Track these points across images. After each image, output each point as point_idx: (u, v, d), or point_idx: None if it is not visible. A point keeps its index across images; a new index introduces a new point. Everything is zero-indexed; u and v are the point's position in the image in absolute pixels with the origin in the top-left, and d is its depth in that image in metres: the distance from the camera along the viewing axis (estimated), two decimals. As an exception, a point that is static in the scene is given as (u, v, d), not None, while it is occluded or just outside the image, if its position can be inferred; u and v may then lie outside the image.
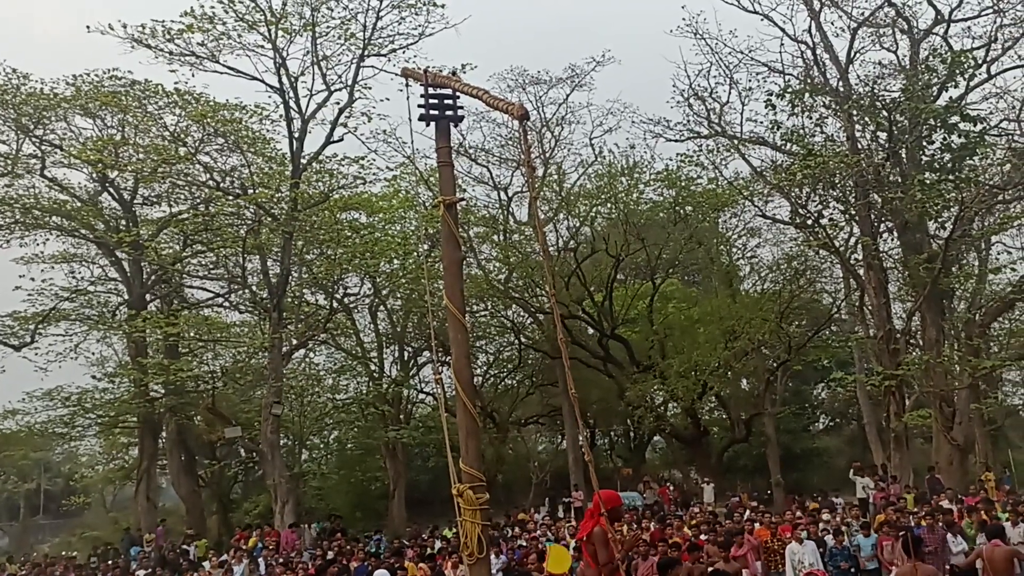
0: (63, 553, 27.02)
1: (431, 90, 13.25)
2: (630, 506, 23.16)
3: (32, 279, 28.20)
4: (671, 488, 30.74)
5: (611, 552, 8.23)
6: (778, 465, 30.99)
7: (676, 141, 28.74)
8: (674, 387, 29.63)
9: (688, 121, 28.00)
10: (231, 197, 26.97)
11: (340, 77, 25.86)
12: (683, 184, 29.86)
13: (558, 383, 32.35)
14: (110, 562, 23.82)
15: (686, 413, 32.95)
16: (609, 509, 8.53)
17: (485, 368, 36.57)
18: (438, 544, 20.77)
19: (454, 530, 21.68)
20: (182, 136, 26.63)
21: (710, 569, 10.96)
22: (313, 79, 25.86)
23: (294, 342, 28.57)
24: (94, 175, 28.61)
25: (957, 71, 24.04)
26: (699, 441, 33.10)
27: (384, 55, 25.68)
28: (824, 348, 33.86)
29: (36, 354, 29.03)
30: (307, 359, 34.27)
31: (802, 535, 14.52)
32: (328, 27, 25.33)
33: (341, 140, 26.24)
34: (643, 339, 32.60)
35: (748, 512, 20.62)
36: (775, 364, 32.33)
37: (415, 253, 28.54)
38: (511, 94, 30.72)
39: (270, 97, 26.00)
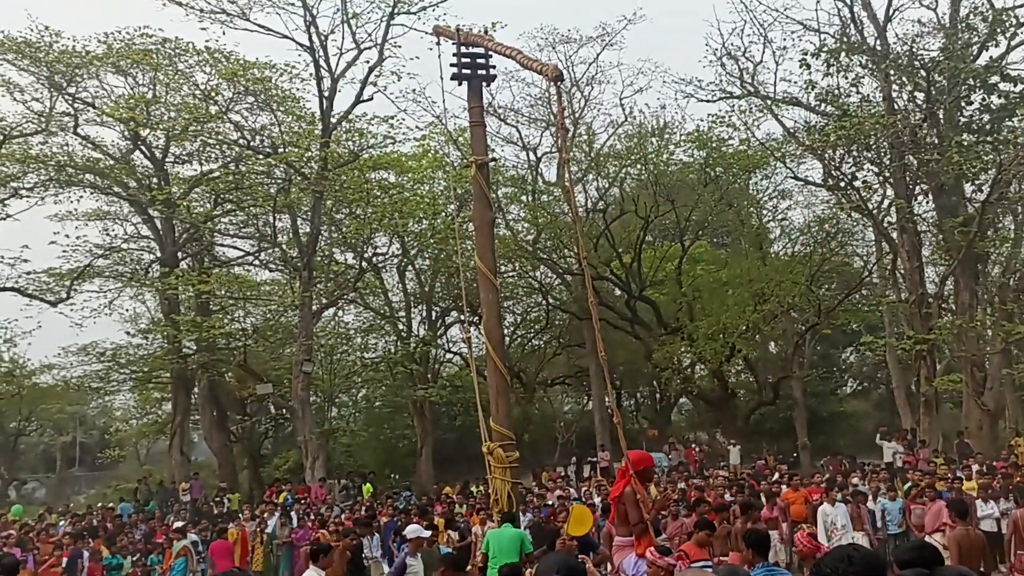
0: (99, 504, 27.68)
1: (463, 49, 13.24)
2: (657, 464, 23.30)
3: (67, 236, 28.60)
4: (697, 450, 30.88)
5: (641, 512, 8.31)
6: (805, 428, 30.98)
7: (708, 101, 28.46)
8: (702, 349, 29.60)
9: (720, 81, 27.70)
10: (261, 156, 27.12)
11: (370, 35, 25.85)
12: (714, 145, 29.56)
13: (585, 344, 32.44)
14: (144, 512, 24.39)
15: (713, 375, 32.95)
16: (639, 470, 8.59)
17: (512, 328, 36.71)
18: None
19: (481, 487, 22.01)
20: (212, 94, 26.71)
21: (749, 526, 11.00)
22: (343, 37, 25.90)
23: (324, 301, 28.84)
24: (126, 133, 28.79)
25: (998, 30, 23.46)
26: (726, 403, 33.13)
27: (414, 12, 25.55)
28: (854, 312, 33.59)
29: (72, 310, 29.52)
30: (336, 318, 34.61)
31: (836, 496, 14.52)
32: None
33: (371, 99, 26.27)
34: (671, 301, 32.54)
35: (776, 475, 20.69)
36: (804, 327, 32.17)
37: (444, 213, 28.61)
38: (540, 53, 30.53)
39: (300, 55, 26.11)
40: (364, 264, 30.74)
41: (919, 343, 23.39)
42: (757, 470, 23.75)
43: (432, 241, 29.81)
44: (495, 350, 12.08)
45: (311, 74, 26.04)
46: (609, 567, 9.79)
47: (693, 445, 32.29)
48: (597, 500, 18.10)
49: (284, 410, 33.57)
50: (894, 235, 25.81)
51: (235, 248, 32.69)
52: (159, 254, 30.62)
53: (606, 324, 30.09)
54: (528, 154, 32.50)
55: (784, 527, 14.68)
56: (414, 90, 28.90)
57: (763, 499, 16.19)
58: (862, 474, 19.45)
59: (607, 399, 26.01)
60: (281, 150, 26.50)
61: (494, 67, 12.98)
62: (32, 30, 26.34)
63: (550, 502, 19.10)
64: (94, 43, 26.64)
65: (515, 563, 9.12)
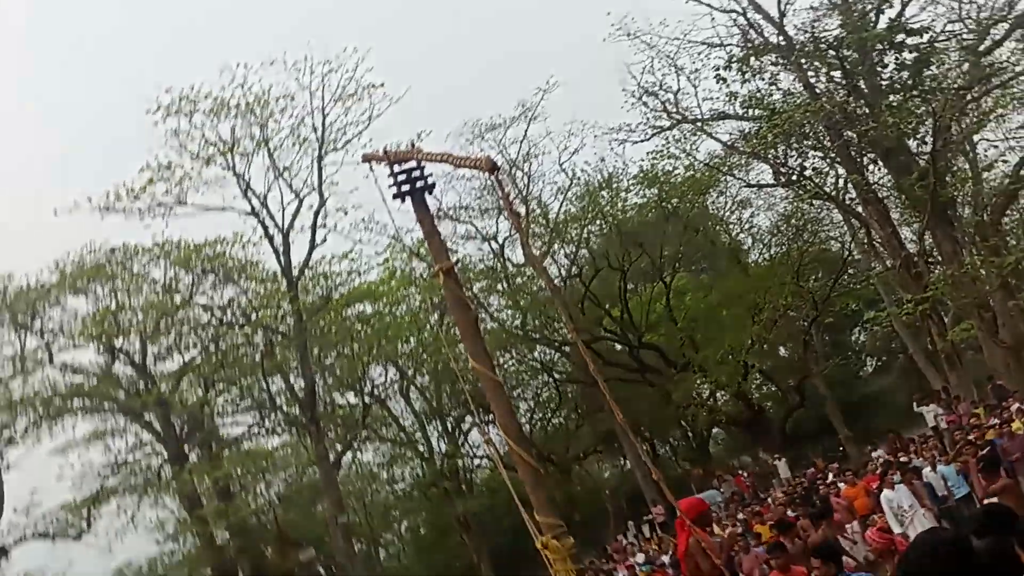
0: None
1: (396, 167, 13.43)
2: (712, 503, 22.84)
3: (72, 466, 28.24)
4: (745, 475, 30.34)
5: (712, 559, 8.11)
6: (841, 420, 30.59)
7: (642, 141, 28.88)
8: (716, 376, 29.41)
9: (647, 119, 28.17)
10: (237, 328, 27.15)
11: (305, 182, 26.24)
12: (662, 179, 29.93)
13: (604, 408, 32.13)
14: None
15: (736, 397, 32.65)
16: (695, 517, 8.41)
17: (529, 414, 36.36)
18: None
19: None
20: (174, 285, 26.93)
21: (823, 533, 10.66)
22: (281, 192, 26.26)
23: (338, 448, 28.51)
24: (101, 349, 28.78)
25: (886, -10, 24.18)
26: (757, 421, 32.74)
27: (340, 148, 26.06)
28: (848, 294, 33.65)
29: (96, 538, 28.93)
30: (355, 460, 34.13)
31: (894, 479, 14.20)
32: (280, 139, 25.75)
33: (324, 242, 26.55)
34: (672, 339, 32.43)
35: (830, 476, 20.33)
36: (806, 323, 32.10)
37: (427, 326, 28.62)
38: (472, 146, 31.04)
39: (245, 222, 26.34)
40: (366, 400, 30.52)
41: (919, 304, 23.34)
42: (809, 477, 23.33)
43: (425, 356, 29.76)
44: (517, 444, 11.89)
45: (261, 235, 26.37)
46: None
47: (740, 472, 31.74)
48: (666, 559, 17.65)
49: (332, 567, 32.79)
50: (860, 210, 26.06)
51: (238, 424, 32.41)
52: (166, 455, 30.24)
53: (617, 382, 29.85)
54: (490, 244, 32.70)
55: (854, 526, 14.34)
56: (363, 219, 28.97)
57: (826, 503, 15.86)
58: (913, 448, 19.15)
59: (641, 455, 25.62)
60: (254, 316, 26.58)
61: (431, 175, 13.12)
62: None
63: (622, 574, 18.62)
64: (46, 273, 26.90)
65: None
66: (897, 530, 11.35)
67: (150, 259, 26.85)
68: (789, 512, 16.15)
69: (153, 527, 32.98)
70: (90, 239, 28.17)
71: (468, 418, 34.24)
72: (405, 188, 13.43)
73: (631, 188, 31.21)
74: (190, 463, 28.90)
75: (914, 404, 25.69)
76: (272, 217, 26.25)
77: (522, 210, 31.57)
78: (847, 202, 26.58)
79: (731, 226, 34.68)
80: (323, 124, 25.90)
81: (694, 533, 8.07)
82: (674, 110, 27.69)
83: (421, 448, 32.77)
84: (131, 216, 25.08)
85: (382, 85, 25.58)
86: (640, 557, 20.47)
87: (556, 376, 34.73)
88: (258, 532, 29.68)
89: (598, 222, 31.36)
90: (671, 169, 29.81)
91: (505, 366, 32.63)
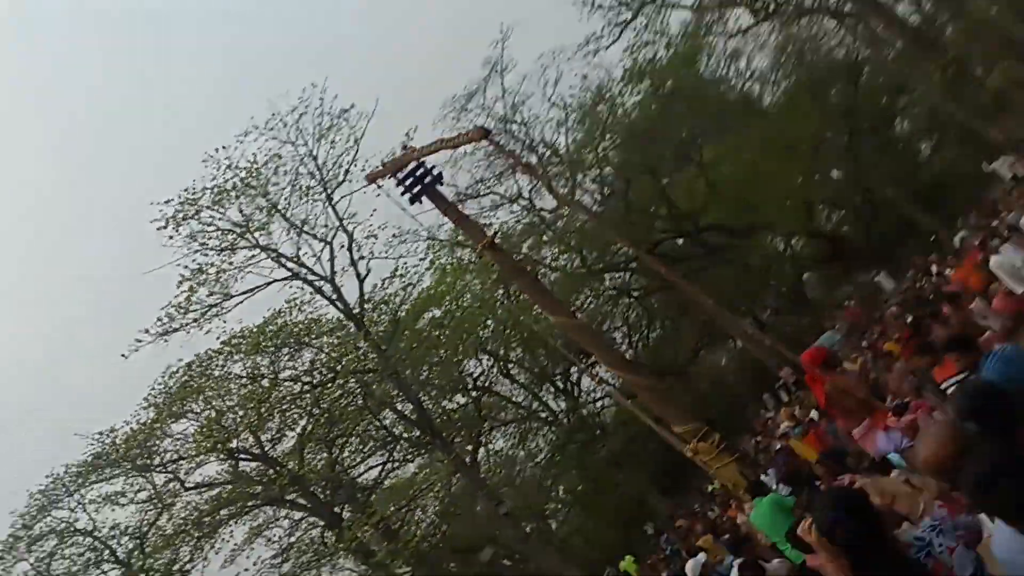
0: None
1: (400, 175, 13.54)
2: (832, 346, 22.60)
3: (246, 570, 29.25)
4: (851, 304, 29.87)
5: (855, 395, 8.07)
6: (921, 212, 29.86)
7: (614, 43, 28.42)
8: (782, 226, 28.96)
9: (608, 20, 27.65)
10: (329, 384, 27.68)
11: (326, 226, 26.50)
12: (647, 69, 29.42)
13: (690, 306, 31.95)
14: None
15: (810, 237, 32.14)
16: (821, 364, 8.38)
17: (626, 340, 36.36)
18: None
19: (714, 484, 21.55)
20: (256, 372, 27.50)
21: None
22: (309, 245, 26.57)
23: (469, 448, 28.98)
24: (221, 456, 29.59)
25: None
26: (840, 250, 32.17)
27: (343, 181, 26.19)
28: (874, 92, 32.66)
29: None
30: (489, 452, 34.61)
31: (995, 245, 13.76)
32: (286, 197, 26.01)
33: (369, 272, 26.82)
34: (726, 211, 31.91)
35: (934, 269, 19.93)
36: (846, 137, 31.30)
37: (497, 303, 28.76)
38: (461, 121, 30.80)
39: (291, 287, 26.76)
40: (473, 395, 30.90)
41: (945, 68, 22.61)
42: (912, 280, 22.88)
43: (507, 332, 29.95)
44: (627, 372, 12.01)
45: (310, 293, 26.74)
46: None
47: (846, 304, 31.25)
48: (813, 414, 17.54)
49: (514, 556, 33.43)
50: (848, 8, 25.25)
51: (371, 467, 33.08)
52: (322, 523, 31.11)
53: (693, 272, 29.66)
54: (518, 203, 32.57)
55: (977, 304, 14.02)
56: (394, 234, 29.00)
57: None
58: (1001, 207, 18.64)
59: (747, 331, 25.44)
60: (339, 367, 27.05)
61: (433, 167, 13.26)
62: (95, 443, 27.57)
63: (778, 447, 18.57)
64: (141, 413, 27.72)
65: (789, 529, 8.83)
66: (1019, 290, 11.05)
67: (225, 358, 27.45)
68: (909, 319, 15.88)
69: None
70: (165, 366, 28.93)
71: (573, 369, 34.46)
72: (416, 189, 13.61)
73: (623, 92, 30.78)
74: (346, 520, 29.67)
75: (983, 164, 24.94)
76: (312, 271, 26.61)
77: (533, 158, 31.44)
78: (832, 6, 25.77)
79: (733, 82, 33.94)
80: (317, 166, 26.07)
81: (827, 380, 8.03)
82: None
83: (543, 415, 33.09)
84: (190, 328, 25.68)
85: (352, 107, 25.59)
86: (785, 425, 20.39)
87: (635, 294, 34.60)
88: (434, 554, 30.39)
89: (607, 136, 31.02)
90: (652, 56, 29.30)
91: (584, 307, 32.66)
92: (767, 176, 29.78)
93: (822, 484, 9.93)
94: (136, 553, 27.72)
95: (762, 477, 15.06)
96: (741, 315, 37.09)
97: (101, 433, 27.66)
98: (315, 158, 26.03)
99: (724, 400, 36.49)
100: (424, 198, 13.02)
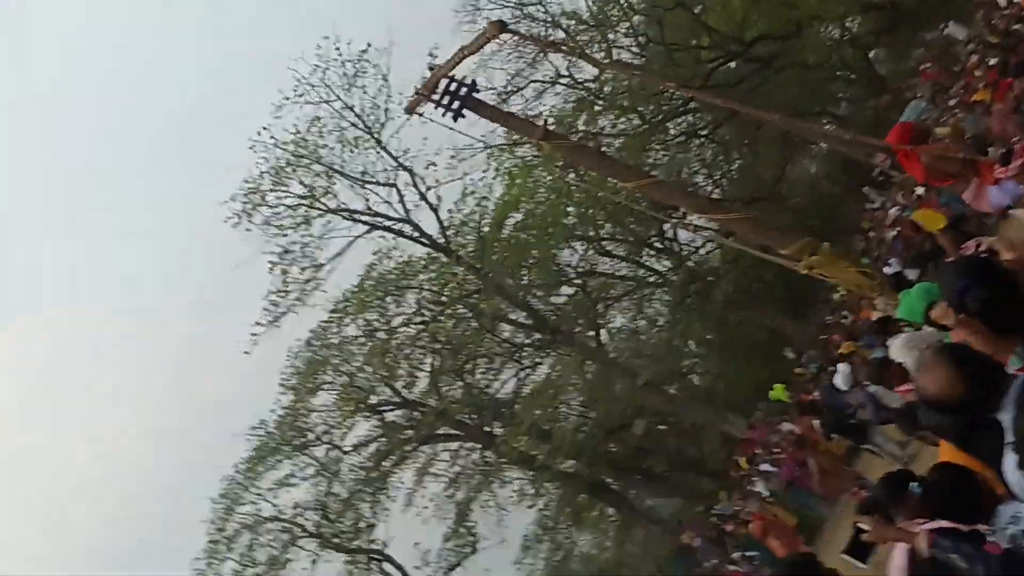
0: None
1: (435, 97, 13.35)
2: (919, 116, 21.54)
3: (424, 508, 30.80)
4: (928, 66, 28.22)
5: (957, 158, 7.72)
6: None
7: None
8: (829, 11, 27.40)
9: None
10: (441, 317, 28.25)
11: (385, 170, 26.64)
12: None
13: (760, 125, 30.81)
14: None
15: (863, 12, 30.30)
16: (911, 140, 8.01)
17: (708, 180, 35.59)
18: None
19: (839, 293, 21.20)
20: (371, 329, 28.26)
21: None
22: (377, 193, 26.84)
23: (591, 334, 29.27)
24: (365, 414, 30.66)
25: None
26: (898, 13, 30.19)
27: (387, 122, 26.13)
28: None
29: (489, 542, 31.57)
30: (611, 332, 34.77)
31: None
32: (339, 154, 26.15)
33: (440, 200, 26.97)
34: (770, 19, 30.21)
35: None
36: None
37: (571, 189, 28.44)
38: (478, 23, 29.93)
39: (371, 239, 27.19)
40: (577, 282, 31.02)
41: None
42: (984, 19, 21.31)
43: (589, 212, 29.65)
44: (715, 212, 11.78)
45: (394, 238, 27.12)
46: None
47: (921, 68, 29.55)
48: (918, 191, 16.91)
49: (668, 419, 33.89)
50: None
51: (505, 382, 33.79)
52: (479, 445, 32.15)
53: (756, 90, 28.58)
54: (559, 84, 31.78)
55: None
56: (451, 156, 28.86)
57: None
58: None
59: (824, 131, 24.47)
60: (444, 299, 27.55)
61: (464, 77, 13.01)
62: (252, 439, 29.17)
63: (893, 234, 18.07)
64: (282, 399, 28.98)
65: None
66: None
67: (337, 325, 28.30)
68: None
69: (516, 499, 35.63)
70: (286, 348, 30.02)
71: (666, 226, 34.04)
72: (456, 106, 13.42)
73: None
74: (498, 437, 30.67)
75: None
76: (387, 217, 26.91)
77: (560, 33, 30.50)
78: None
79: None
80: (356, 115, 26.04)
81: (921, 154, 7.67)
82: None
83: (651, 279, 32.99)
84: (296, 308, 26.51)
85: (368, 46, 25.29)
86: (893, 211, 19.80)
87: (703, 133, 33.60)
88: (590, 442, 31.20)
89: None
90: None
91: (658, 163, 31.97)
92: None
93: (948, 256, 9.64)
94: (323, 523, 29.42)
95: (885, 269, 14.75)
96: (816, 117, 35.72)
97: (254, 428, 29.22)
98: (352, 108, 26.05)
99: (824, 207, 35.52)
100: (466, 111, 12.81)
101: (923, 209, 11.42)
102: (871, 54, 37.45)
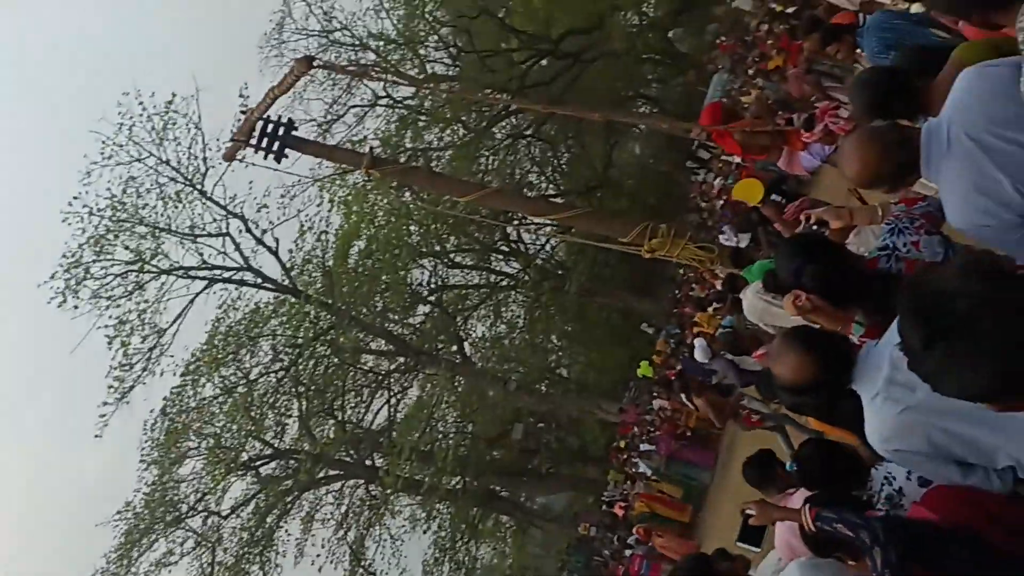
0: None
1: (252, 141, 12.91)
2: (724, 88, 22.62)
3: (318, 555, 29.85)
4: (723, 39, 29.68)
5: (762, 131, 8.08)
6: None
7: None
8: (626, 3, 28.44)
9: None
10: (299, 361, 27.48)
11: (214, 219, 25.70)
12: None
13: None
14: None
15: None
16: (720, 120, 8.33)
17: (539, 178, 36.30)
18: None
19: (682, 273, 22.04)
20: (227, 384, 27.14)
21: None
22: (208, 245, 25.85)
23: (453, 348, 29.17)
24: (239, 473, 29.38)
25: None
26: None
27: (207, 169, 25.15)
28: None
29: None
30: (472, 342, 34.70)
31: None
32: (161, 213, 25.05)
33: (278, 242, 26.27)
34: (570, 15, 30.92)
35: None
36: None
37: (409, 209, 28.27)
38: (285, 56, 29.21)
39: (213, 293, 26.19)
40: (432, 299, 30.94)
41: None
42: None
43: (433, 227, 29.54)
44: (552, 212, 11.92)
45: (235, 288, 26.24)
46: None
47: (717, 41, 31.03)
48: (736, 159, 17.76)
49: (545, 417, 34.26)
50: None
51: (376, 413, 33.24)
52: (362, 480, 31.45)
53: (570, 84, 29.29)
54: (379, 104, 31.48)
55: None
56: (280, 196, 27.87)
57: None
58: None
59: (641, 119, 25.35)
60: (299, 340, 26.84)
61: (280, 116, 12.63)
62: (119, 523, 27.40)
63: (721, 203, 18.88)
64: (145, 475, 27.37)
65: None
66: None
67: (191, 387, 26.91)
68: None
69: (409, 527, 35.07)
70: (141, 423, 28.17)
71: (509, 229, 34.40)
72: (276, 147, 13.02)
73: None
74: (380, 468, 30.10)
75: None
76: (224, 268, 25.95)
77: (370, 55, 30.28)
78: None
79: None
80: (173, 168, 24.90)
81: (735, 133, 7.98)
82: None
83: (504, 283, 33.29)
84: (143, 379, 25.10)
85: (174, 95, 24.19)
86: (718, 181, 20.72)
87: (527, 133, 34.21)
88: (472, 455, 31.11)
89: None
90: None
91: (489, 168, 32.30)
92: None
93: (775, 224, 10.10)
94: (212, 596, 28.00)
95: (720, 238, 15.37)
96: (632, 100, 37.01)
97: (119, 513, 27.41)
98: (167, 162, 24.85)
99: (656, 185, 36.88)
100: (288, 151, 12.43)
101: (741, 180, 11.94)
102: (670, 34, 39.19)
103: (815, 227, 4.93)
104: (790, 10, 15.76)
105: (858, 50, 7.48)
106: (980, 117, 2.81)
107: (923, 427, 2.68)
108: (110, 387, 24.39)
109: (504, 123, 33.35)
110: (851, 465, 3.70)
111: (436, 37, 31.68)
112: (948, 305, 1.84)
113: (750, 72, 19.68)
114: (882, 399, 2.81)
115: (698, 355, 12.23)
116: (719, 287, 16.30)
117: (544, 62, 32.80)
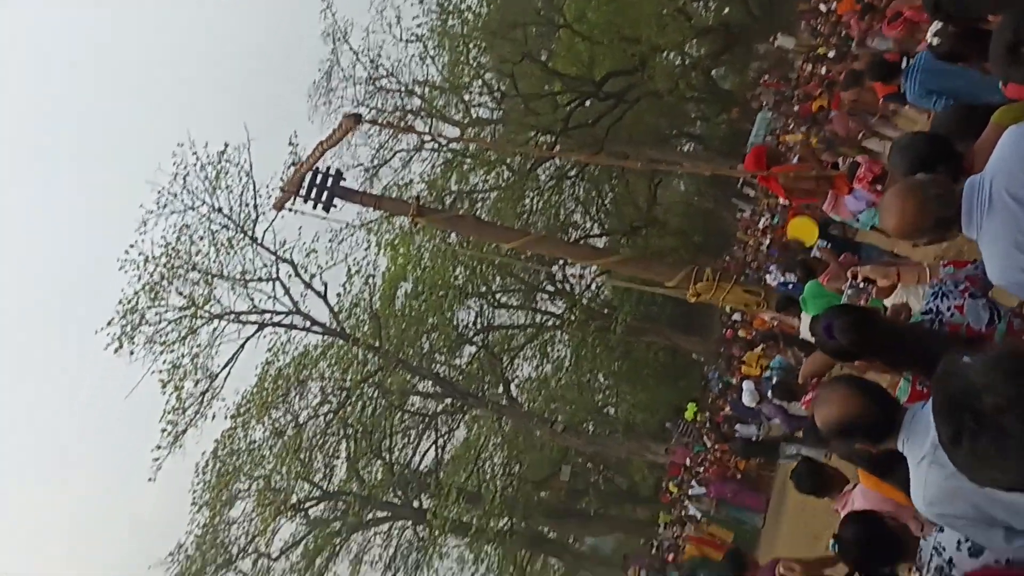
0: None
1: (302, 192, 13.22)
2: (768, 128, 22.65)
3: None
4: (766, 78, 29.70)
5: (811, 174, 8.08)
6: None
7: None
8: (668, 41, 28.63)
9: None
10: (348, 403, 27.73)
11: (265, 265, 26.20)
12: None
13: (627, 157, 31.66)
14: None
15: (699, 37, 31.72)
16: (766, 162, 8.35)
17: (585, 219, 36.35)
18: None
19: (733, 315, 21.84)
20: (277, 426, 27.45)
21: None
22: (258, 290, 26.32)
23: (499, 389, 29.18)
24: (288, 515, 29.57)
25: None
26: (732, 35, 31.82)
27: (258, 216, 25.70)
28: None
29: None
30: (519, 383, 34.67)
31: None
32: (214, 259, 25.57)
33: (327, 285, 26.66)
34: (612, 56, 31.15)
35: (823, 7, 19.55)
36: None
37: (456, 249, 28.52)
38: (332, 105, 29.83)
39: (263, 336, 26.60)
40: (478, 343, 31.00)
41: None
42: (808, 29, 22.67)
43: (479, 269, 29.63)
44: (596, 259, 11.98)
45: (285, 331, 26.68)
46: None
47: (761, 80, 31.03)
48: (781, 201, 17.64)
49: (593, 458, 34.00)
50: None
51: (425, 454, 33.25)
52: (409, 522, 31.46)
53: (613, 125, 29.45)
54: (425, 148, 31.85)
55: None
56: (329, 240, 28.36)
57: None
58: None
59: (684, 163, 25.32)
60: (348, 383, 27.10)
61: (328, 167, 12.92)
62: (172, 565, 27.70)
63: (767, 241, 18.76)
64: (197, 518, 27.70)
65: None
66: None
67: (242, 431, 27.26)
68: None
69: (458, 569, 34.89)
70: (193, 466, 28.56)
71: (554, 270, 34.44)
72: (325, 197, 13.31)
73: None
74: (428, 509, 30.06)
75: None
76: (275, 312, 26.39)
77: (416, 101, 30.82)
78: None
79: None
80: (225, 216, 25.49)
81: (780, 177, 7.99)
82: None
83: (550, 323, 33.27)
84: (196, 423, 25.49)
85: (226, 145, 24.87)
86: (763, 220, 20.61)
87: (571, 174, 34.34)
88: (520, 496, 30.95)
89: (471, 45, 30.31)
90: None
91: (534, 209, 32.43)
92: (631, 3, 29.29)
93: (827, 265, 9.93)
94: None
95: (767, 278, 15.25)
96: (676, 139, 37.04)
97: (171, 554, 27.76)
98: (219, 210, 25.46)
99: (701, 222, 36.76)
100: (336, 200, 12.69)
101: (796, 219, 11.85)
102: (713, 73, 39.24)
103: (862, 284, 4.92)
104: (831, 54, 15.74)
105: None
106: (1022, 175, 2.83)
107: (968, 492, 2.67)
108: (163, 430, 24.81)
109: (548, 164, 33.57)
110: (894, 541, 3.66)
111: (480, 82, 32.10)
112: (974, 401, 1.85)
113: (794, 109, 19.64)
114: (928, 463, 2.81)
115: (746, 399, 12.12)
116: (767, 327, 16.17)
117: (587, 103, 33.01)
